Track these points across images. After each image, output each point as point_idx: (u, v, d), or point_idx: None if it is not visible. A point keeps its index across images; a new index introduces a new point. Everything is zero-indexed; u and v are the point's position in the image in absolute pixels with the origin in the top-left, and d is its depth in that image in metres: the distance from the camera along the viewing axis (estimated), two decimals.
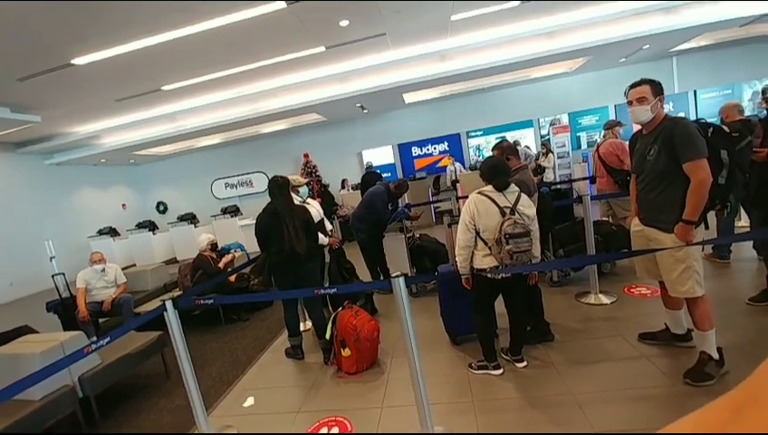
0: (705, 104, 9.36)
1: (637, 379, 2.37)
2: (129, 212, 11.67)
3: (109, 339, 1.93)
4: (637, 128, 2.43)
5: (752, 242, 3.64)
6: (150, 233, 9.64)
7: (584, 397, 2.29)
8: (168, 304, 2.25)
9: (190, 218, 9.85)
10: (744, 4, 6.65)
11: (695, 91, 9.43)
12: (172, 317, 2.27)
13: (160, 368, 3.43)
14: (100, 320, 4.68)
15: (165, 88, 6.71)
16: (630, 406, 2.17)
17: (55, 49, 4.72)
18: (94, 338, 3.77)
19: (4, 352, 2.66)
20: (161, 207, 12.56)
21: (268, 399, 2.87)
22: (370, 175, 8.50)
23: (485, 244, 2.44)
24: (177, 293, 5.03)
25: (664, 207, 2.18)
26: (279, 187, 3.24)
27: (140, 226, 9.98)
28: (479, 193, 2.49)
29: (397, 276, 1.91)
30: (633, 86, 2.32)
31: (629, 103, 2.30)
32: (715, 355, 2.22)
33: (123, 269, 5.06)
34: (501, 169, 2.50)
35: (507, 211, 2.39)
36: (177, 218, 10.03)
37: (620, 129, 4.91)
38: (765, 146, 2.60)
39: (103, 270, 4.49)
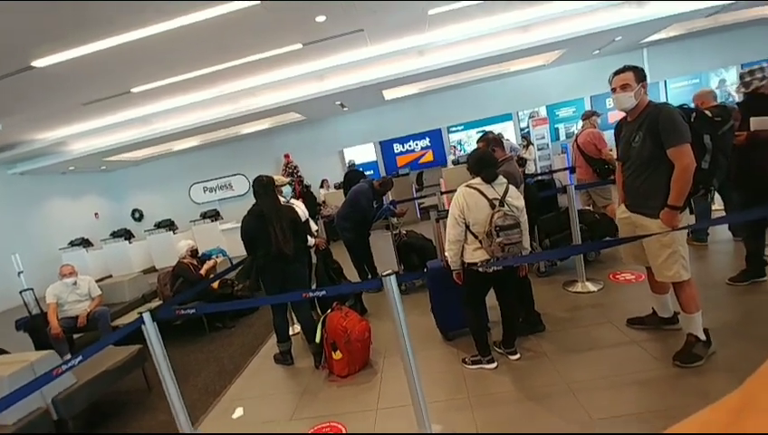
0: (675, 93, 9.66)
1: (628, 364, 2.39)
2: (102, 221, 11.19)
3: (81, 358, 1.80)
4: (613, 117, 2.45)
5: (727, 224, 3.76)
6: (126, 242, 9.28)
7: (578, 385, 2.29)
8: (146, 317, 2.12)
9: (168, 225, 9.53)
10: None
11: (665, 81, 9.72)
12: (151, 330, 2.14)
13: (142, 383, 3.27)
14: (75, 336, 4.44)
15: (135, 90, 6.43)
16: (624, 391, 2.18)
17: (13, 51, 4.43)
18: (68, 356, 3.57)
19: None
20: (137, 215, 12.11)
21: (258, 408, 2.77)
22: (353, 173, 8.41)
23: (476, 237, 2.40)
24: (156, 303, 4.84)
25: (650, 193, 2.20)
26: (264, 186, 3.13)
27: (115, 235, 9.60)
28: (467, 186, 2.46)
29: (387, 275, 1.85)
30: (617, 73, 2.33)
31: (613, 90, 2.31)
32: (702, 336, 2.25)
33: (99, 281, 4.83)
34: (488, 160, 2.47)
35: (496, 203, 2.36)
36: (155, 225, 9.69)
37: (598, 118, 5.00)
38: (743, 130, 2.66)
39: (75, 283, 4.25)
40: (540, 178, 6.35)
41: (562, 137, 9.93)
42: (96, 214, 11.25)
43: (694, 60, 9.72)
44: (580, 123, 5.14)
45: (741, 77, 2.60)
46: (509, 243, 2.27)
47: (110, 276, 8.00)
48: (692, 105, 2.49)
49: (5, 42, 4.20)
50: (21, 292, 4.38)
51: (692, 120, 2.10)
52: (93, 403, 2.85)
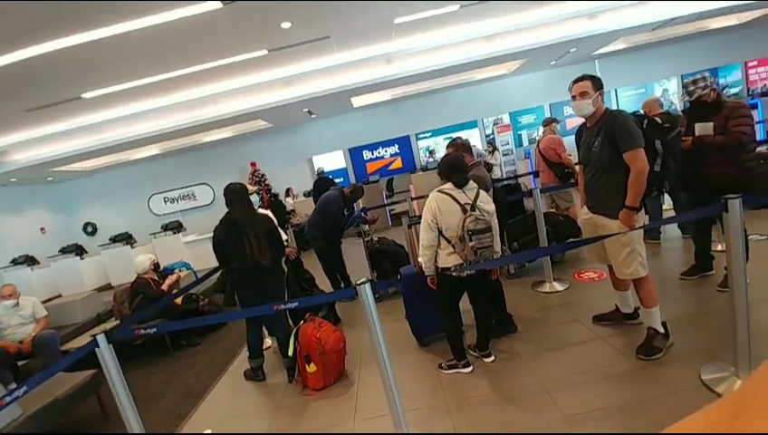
0: (625, 102, 10.36)
1: (596, 360, 2.49)
2: (49, 236, 10.34)
3: (26, 388, 1.62)
4: (572, 123, 2.57)
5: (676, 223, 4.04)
6: (78, 258, 8.63)
7: (551, 383, 2.35)
8: (101, 339, 1.95)
9: (125, 238, 8.97)
10: (654, 7, 7.45)
11: (615, 90, 10.40)
12: (106, 353, 1.97)
13: (97, 411, 3.02)
14: (20, 362, 4.04)
15: (86, 96, 6.03)
16: (593, 386, 2.26)
17: None
18: (13, 385, 3.24)
19: None
20: (90, 229, 11.30)
21: (229, 429, 2.63)
22: (323, 181, 8.32)
23: (449, 242, 2.42)
24: (113, 323, 4.52)
25: (609, 195, 2.31)
26: (238, 193, 3.00)
27: (65, 251, 8.91)
28: (439, 191, 2.48)
29: (362, 283, 1.82)
30: (576, 81, 2.44)
31: (573, 98, 2.42)
32: (661, 329, 2.39)
33: (46, 302, 4.45)
34: (459, 166, 2.51)
35: (468, 208, 2.40)
36: (110, 240, 9.09)
37: (557, 125, 5.25)
38: (689, 135, 2.87)
39: (17, 304, 3.88)
40: (506, 182, 6.57)
41: (525, 143, 10.34)
42: (42, 229, 10.39)
43: (640, 70, 10.48)
44: (542, 130, 5.38)
45: (684, 86, 2.81)
46: (481, 247, 2.31)
47: (60, 296, 7.40)
48: (642, 112, 2.66)
49: None
50: None
51: (644, 126, 2.23)
52: None
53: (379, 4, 5.25)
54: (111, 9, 3.91)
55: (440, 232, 2.43)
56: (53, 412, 2.64)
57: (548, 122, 5.16)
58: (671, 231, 4.50)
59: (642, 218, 2.32)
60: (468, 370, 2.63)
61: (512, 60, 8.81)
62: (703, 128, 2.73)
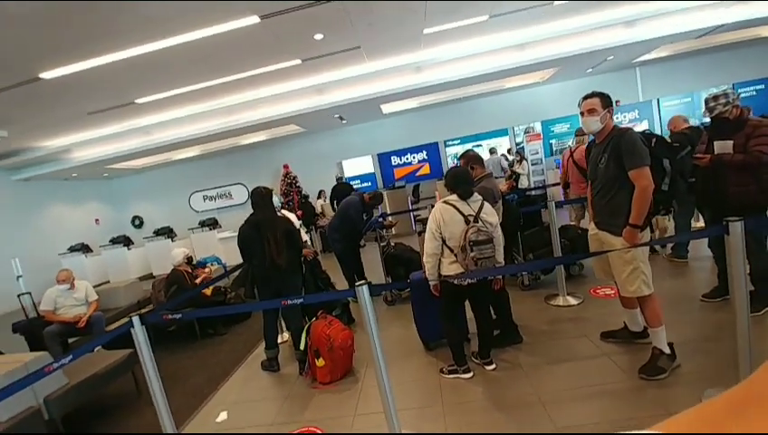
0: (668, 111, 9.84)
1: (597, 376, 2.48)
2: (102, 227, 11.35)
3: (71, 357, 1.91)
4: None
5: (706, 241, 3.87)
6: (125, 248, 9.40)
7: (548, 396, 2.38)
8: (135, 321, 2.24)
9: (167, 232, 9.66)
10: (698, 17, 7.10)
11: (658, 100, 9.92)
12: (140, 334, 2.25)
13: (131, 387, 3.36)
14: (70, 340, 4.54)
15: (139, 101, 6.65)
16: (589, 402, 2.27)
17: (22, 64, 4.64)
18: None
19: None
20: (137, 222, 12.27)
21: (242, 413, 2.86)
22: (341, 186, 8.58)
23: (451, 251, 2.52)
24: (150, 308, 4.94)
25: (614, 212, 2.32)
26: (261, 197, 3.25)
27: (115, 241, 9.73)
28: (444, 202, 2.59)
29: (360, 285, 1.97)
30: (585, 98, 2.47)
31: (581, 114, 2.45)
32: (666, 350, 2.35)
33: (96, 286, 4.94)
34: (464, 178, 2.61)
35: (471, 219, 2.49)
36: (154, 233, 9.82)
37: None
38: (709, 152, 2.79)
39: (71, 288, 4.36)
40: (530, 192, 6.50)
41: (557, 153, 10.10)
42: (97, 220, 11.42)
43: (686, 79, 9.95)
44: (575, 139, 5.27)
45: (706, 102, 2.74)
46: (482, 257, 2.39)
47: (108, 282, 8.12)
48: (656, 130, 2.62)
49: (14, 54, 4.40)
50: (19, 295, 4.50)
51: (652, 144, 2.23)
52: (83, 405, 2.94)
53: (409, 17, 5.41)
54: (164, 25, 4.34)
55: (444, 241, 2.54)
56: (94, 385, 3.00)
57: (582, 132, 5.06)
58: (701, 250, 4.30)
59: (647, 237, 2.31)
60: (468, 376, 2.71)
61: (545, 68, 8.69)
62: (722, 146, 2.65)
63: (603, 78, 9.99)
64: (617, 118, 9.66)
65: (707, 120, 2.88)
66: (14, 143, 7.47)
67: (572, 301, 3.65)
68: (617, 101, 9.51)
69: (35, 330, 4.30)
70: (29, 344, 4.33)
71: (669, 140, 2.28)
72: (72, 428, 2.88)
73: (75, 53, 4.63)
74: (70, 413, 2.79)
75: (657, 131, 9.54)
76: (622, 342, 2.79)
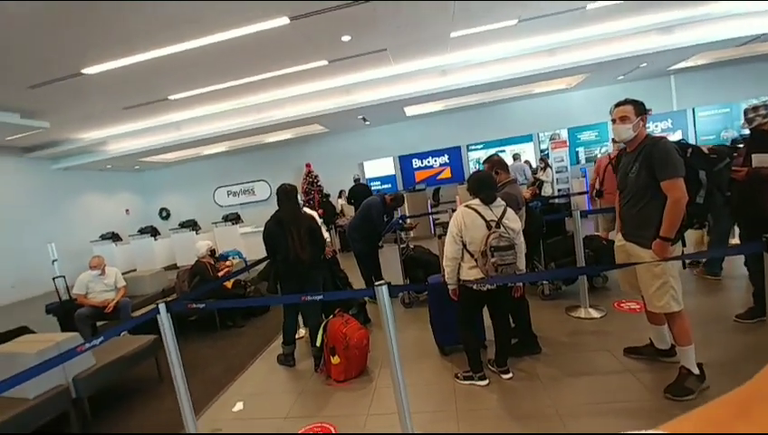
0: (704, 122, 9.45)
1: (619, 392, 2.40)
2: (132, 217, 11.82)
3: (102, 338, 2.00)
4: None
5: (743, 259, 3.68)
6: (152, 239, 9.72)
7: (566, 410, 2.32)
8: (161, 307, 2.32)
9: (192, 225, 9.95)
10: (741, 25, 6.78)
11: (693, 109, 9.53)
12: (165, 319, 2.34)
13: (154, 372, 3.48)
14: (99, 323, 4.74)
15: (171, 97, 6.90)
16: (609, 419, 2.20)
17: (67, 59, 4.90)
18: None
19: (2, 350, 2.73)
20: (164, 214, 12.71)
21: (257, 404, 2.91)
22: (359, 187, 8.62)
23: (472, 256, 2.50)
24: (174, 297, 5.10)
25: (643, 224, 2.25)
26: (286, 193, 3.31)
27: (143, 231, 10.09)
28: (466, 206, 2.57)
29: (380, 285, 1.98)
30: (617, 105, 2.40)
31: (613, 121, 2.39)
32: (695, 370, 2.25)
33: (124, 274, 5.15)
34: (487, 183, 2.58)
35: (493, 224, 2.46)
36: (179, 225, 10.13)
37: None
38: (747, 165, 2.67)
39: (102, 274, 4.57)
40: (553, 200, 6.36)
41: (582, 160, 9.85)
42: (127, 210, 11.91)
43: (724, 89, 9.51)
44: (612, 146, 5.09)
45: (745, 113, 2.61)
46: (503, 263, 2.36)
47: (135, 270, 8.43)
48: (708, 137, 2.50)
49: (59, 51, 4.66)
50: (54, 278, 4.74)
51: (688, 155, 2.15)
52: (108, 386, 3.08)
53: (436, 20, 5.41)
54: (196, 22, 4.49)
55: (464, 246, 2.51)
56: (120, 367, 3.12)
57: None
58: (737, 268, 4.09)
59: (678, 251, 2.22)
60: (483, 383, 2.67)
61: (574, 74, 8.49)
62: (760, 159, 2.52)
63: (635, 85, 9.68)
64: (648, 127, 9.30)
65: (746, 131, 2.75)
66: (54, 134, 7.89)
67: (595, 313, 3.55)
68: (649, 110, 9.14)
69: (67, 312, 4.52)
70: (61, 325, 4.55)
71: (706, 151, 2.19)
72: (98, 407, 3.01)
73: (115, 50, 4.86)
74: (95, 393, 2.92)
75: (691, 142, 9.15)
76: (647, 359, 2.69)
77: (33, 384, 2.49)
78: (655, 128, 9.46)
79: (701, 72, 9.49)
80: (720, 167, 2.16)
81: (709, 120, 9.40)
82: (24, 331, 3.42)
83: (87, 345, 1.91)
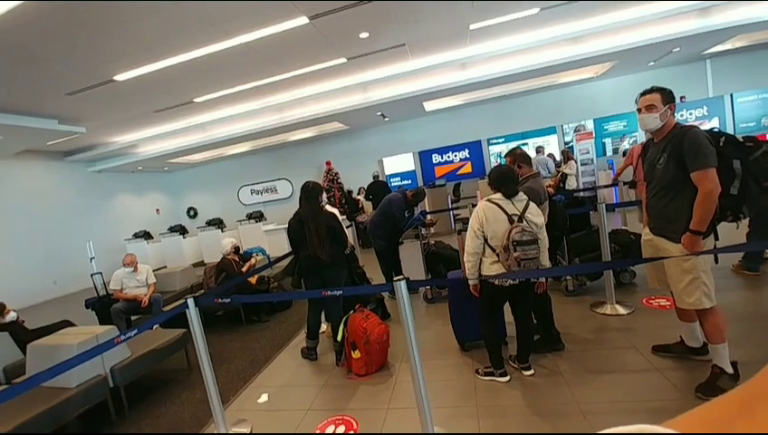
0: (743, 108, 8.90)
1: (647, 391, 2.33)
2: (162, 216, 12.34)
3: (136, 331, 2.11)
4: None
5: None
6: (181, 237, 10.14)
7: (590, 407, 2.27)
8: (190, 302, 2.43)
9: (218, 223, 10.30)
10: None
11: (731, 95, 8.99)
12: (193, 314, 2.44)
13: (184, 364, 3.64)
14: (133, 317, 5.00)
15: (197, 100, 7.13)
16: (636, 418, 2.13)
17: (100, 67, 5.16)
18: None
19: (46, 342, 2.93)
20: (192, 212, 13.19)
21: (281, 396, 3.00)
22: (377, 184, 8.63)
23: (493, 251, 2.47)
24: (201, 293, 5.30)
25: (672, 217, 2.16)
26: (308, 192, 3.36)
27: (172, 229, 10.53)
28: (488, 200, 2.54)
29: (399, 280, 1.99)
30: (644, 94, 2.31)
31: (639, 111, 2.30)
32: (729, 369, 2.15)
33: (155, 270, 5.39)
34: (509, 176, 2.54)
35: (515, 219, 2.43)
36: (206, 223, 10.51)
37: None
38: None
39: (134, 270, 4.81)
40: (579, 194, 6.17)
41: (609, 152, 9.49)
42: (158, 210, 12.43)
43: (765, 73, 8.92)
44: (643, 136, 4.90)
45: None
46: (525, 258, 2.32)
47: (165, 267, 8.81)
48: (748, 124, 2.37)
49: (93, 59, 4.90)
50: (92, 275, 5.02)
51: (721, 144, 2.04)
52: (142, 376, 3.25)
53: (455, 12, 5.33)
54: (222, 27, 4.62)
55: (486, 240, 2.49)
56: (152, 359, 3.29)
57: None
58: None
59: (710, 245, 2.12)
60: (505, 379, 2.64)
61: (601, 62, 8.17)
62: None
63: (667, 71, 9.24)
64: (682, 115, 8.89)
65: None
66: (90, 138, 8.32)
67: (621, 310, 3.43)
68: (682, 97, 8.75)
69: (104, 307, 4.79)
70: (98, 319, 4.83)
71: (741, 139, 2.07)
72: (133, 396, 3.18)
73: (144, 56, 5.07)
74: (131, 383, 3.09)
75: (730, 129, 8.66)
76: (677, 357, 2.59)
77: (75, 374, 2.66)
78: (689, 116, 8.99)
79: (739, 55, 8.95)
80: (756, 155, 2.05)
81: (749, 106, 8.85)
82: (65, 324, 3.64)
83: (123, 338, 2.03)
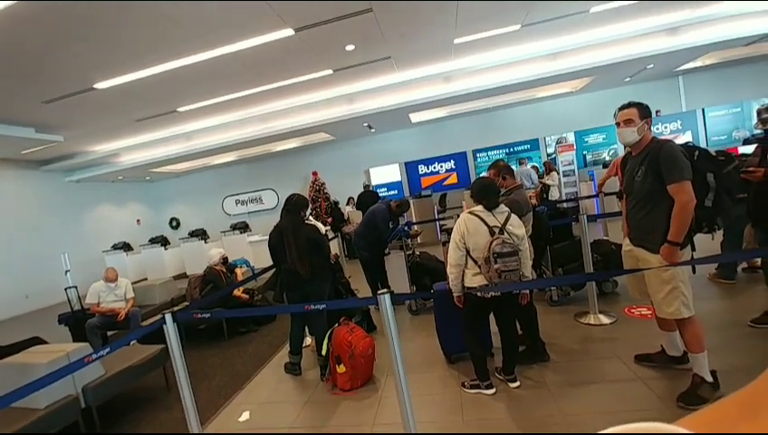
0: (714, 122, 9.30)
1: (630, 401, 2.35)
2: (143, 227, 12.02)
3: (109, 349, 2.02)
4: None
5: (760, 262, 3.59)
6: (162, 248, 9.88)
7: (574, 418, 2.27)
8: (168, 317, 2.34)
9: (201, 234, 10.09)
10: (747, 24, 6.68)
11: (703, 110, 9.38)
12: (171, 330, 2.36)
13: (162, 381, 3.50)
14: (109, 333, 4.80)
15: (181, 109, 7.03)
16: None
17: (79, 75, 5.04)
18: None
19: (14, 361, 2.78)
20: (174, 223, 12.89)
21: (263, 414, 2.91)
22: (366, 194, 8.63)
23: (475, 262, 2.48)
24: (183, 306, 5.15)
25: (651, 228, 2.21)
26: (289, 205, 3.31)
27: (153, 241, 10.25)
28: (470, 212, 2.56)
29: (382, 293, 1.97)
30: (621, 108, 2.38)
31: (617, 124, 2.36)
32: (709, 378, 2.19)
33: (135, 283, 5.22)
34: (490, 189, 2.57)
35: (496, 230, 2.44)
36: (189, 234, 10.28)
37: None
38: (763, 165, 2.61)
39: (115, 285, 4.64)
40: (561, 205, 6.30)
41: (590, 164, 9.75)
42: (138, 220, 12.11)
43: (734, 88, 9.37)
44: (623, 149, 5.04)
45: (758, 114, 2.57)
46: (506, 270, 2.33)
47: (146, 279, 8.55)
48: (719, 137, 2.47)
49: (73, 67, 4.79)
50: (66, 289, 4.82)
51: (695, 158, 2.11)
52: (117, 395, 3.10)
53: (440, 27, 5.44)
54: (203, 37, 4.59)
55: (468, 252, 2.50)
56: (128, 377, 3.15)
57: None
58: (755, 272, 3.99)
59: (687, 255, 2.17)
60: (491, 392, 2.63)
61: (579, 78, 8.44)
62: None
63: (642, 87, 9.60)
64: (657, 128, 9.21)
65: (759, 131, 2.70)
66: (68, 147, 8.09)
67: (604, 320, 3.48)
68: (657, 111, 9.08)
69: (78, 322, 4.59)
70: (72, 336, 4.62)
71: (714, 153, 2.15)
72: (107, 417, 3.03)
73: (126, 64, 4.98)
74: (104, 403, 2.94)
75: (702, 143, 9.02)
76: (659, 366, 2.62)
77: (44, 394, 2.52)
78: (664, 129, 9.34)
79: (709, 72, 9.38)
80: (728, 169, 2.12)
81: (720, 120, 9.25)
82: (35, 341, 3.47)
83: (95, 355, 1.94)
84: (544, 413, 2.37)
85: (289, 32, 4.79)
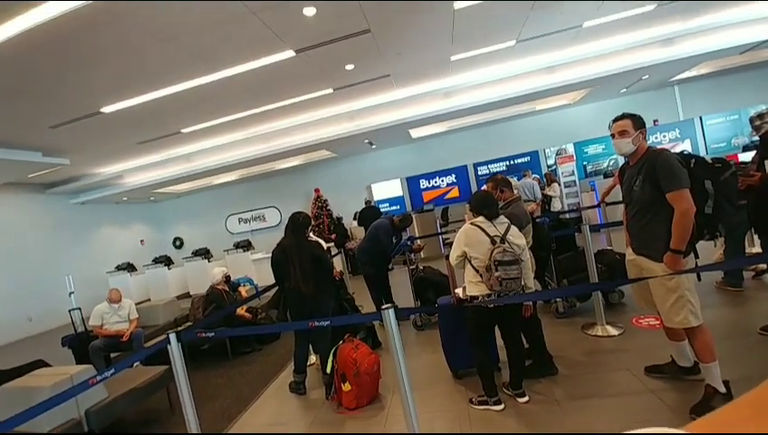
0: (713, 129, 9.35)
1: (641, 414, 2.29)
2: (147, 247, 12.06)
3: (113, 371, 2.02)
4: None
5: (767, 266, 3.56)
6: (166, 268, 9.90)
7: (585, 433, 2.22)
8: (172, 337, 2.34)
9: (204, 253, 10.11)
10: (740, 33, 6.80)
11: (700, 118, 9.46)
12: (175, 350, 2.35)
13: (166, 403, 3.46)
14: (113, 355, 4.77)
15: (184, 130, 7.16)
16: None
17: (87, 99, 5.17)
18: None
19: (17, 385, 2.76)
20: (177, 243, 12.94)
21: None
22: (368, 210, 8.66)
23: (476, 271, 2.48)
24: (186, 326, 5.12)
25: (652, 237, 2.21)
26: (293, 222, 3.32)
27: (157, 261, 10.27)
28: (471, 224, 2.57)
29: (386, 308, 1.97)
30: (615, 120, 2.42)
31: (612, 136, 2.40)
32: (722, 388, 2.14)
33: (138, 304, 5.21)
34: (489, 201, 2.60)
35: (497, 240, 2.45)
36: (192, 253, 10.30)
37: None
38: (761, 171, 2.62)
39: (119, 306, 4.64)
40: (564, 215, 6.30)
41: (591, 174, 9.78)
42: (142, 241, 12.17)
43: (731, 96, 9.46)
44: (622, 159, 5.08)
45: (751, 121, 2.60)
46: (507, 278, 2.33)
47: (149, 300, 8.53)
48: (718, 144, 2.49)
49: (80, 92, 4.92)
50: (70, 311, 4.82)
51: (692, 165, 2.13)
52: (121, 418, 3.06)
53: (436, 45, 5.57)
54: (207, 60, 4.72)
55: (469, 261, 2.50)
56: (132, 399, 3.11)
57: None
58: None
59: (691, 263, 2.16)
60: (499, 407, 2.58)
61: (576, 90, 8.57)
62: None
63: (639, 97, 9.71)
64: (656, 138, 9.27)
65: (757, 138, 2.72)
66: (74, 170, 8.21)
67: (612, 331, 3.43)
68: (655, 121, 9.16)
69: (82, 344, 4.56)
70: (76, 358, 4.59)
71: (710, 161, 2.17)
72: None
73: (132, 88, 5.11)
74: (108, 426, 2.90)
75: (702, 150, 9.06)
76: (669, 377, 2.58)
77: (47, 418, 2.49)
78: (663, 138, 9.40)
79: (705, 80, 9.49)
80: (726, 176, 2.14)
81: (718, 128, 9.31)
82: (39, 364, 3.45)
83: (98, 378, 1.93)
84: (555, 428, 2.32)
85: (290, 53, 4.92)
